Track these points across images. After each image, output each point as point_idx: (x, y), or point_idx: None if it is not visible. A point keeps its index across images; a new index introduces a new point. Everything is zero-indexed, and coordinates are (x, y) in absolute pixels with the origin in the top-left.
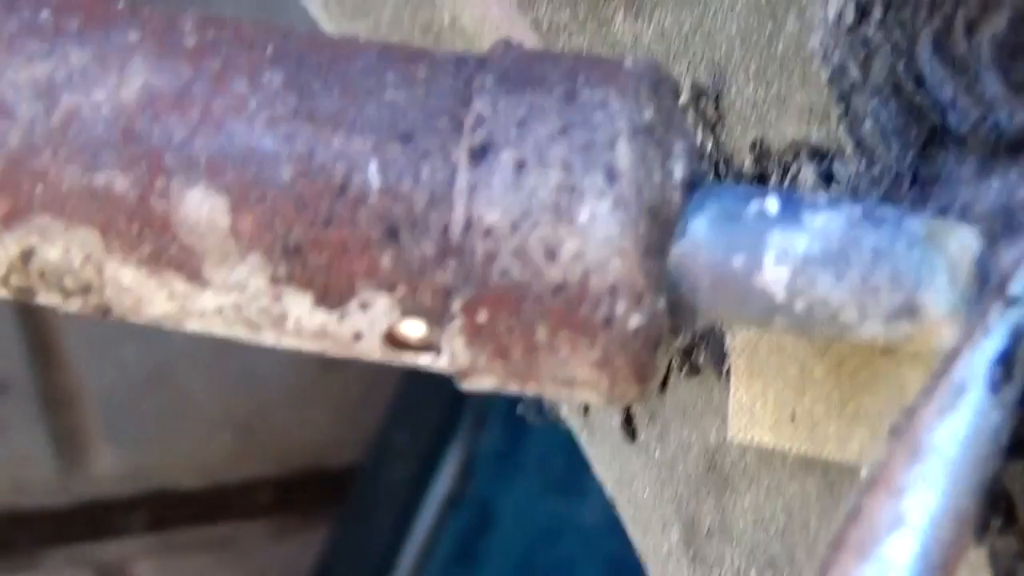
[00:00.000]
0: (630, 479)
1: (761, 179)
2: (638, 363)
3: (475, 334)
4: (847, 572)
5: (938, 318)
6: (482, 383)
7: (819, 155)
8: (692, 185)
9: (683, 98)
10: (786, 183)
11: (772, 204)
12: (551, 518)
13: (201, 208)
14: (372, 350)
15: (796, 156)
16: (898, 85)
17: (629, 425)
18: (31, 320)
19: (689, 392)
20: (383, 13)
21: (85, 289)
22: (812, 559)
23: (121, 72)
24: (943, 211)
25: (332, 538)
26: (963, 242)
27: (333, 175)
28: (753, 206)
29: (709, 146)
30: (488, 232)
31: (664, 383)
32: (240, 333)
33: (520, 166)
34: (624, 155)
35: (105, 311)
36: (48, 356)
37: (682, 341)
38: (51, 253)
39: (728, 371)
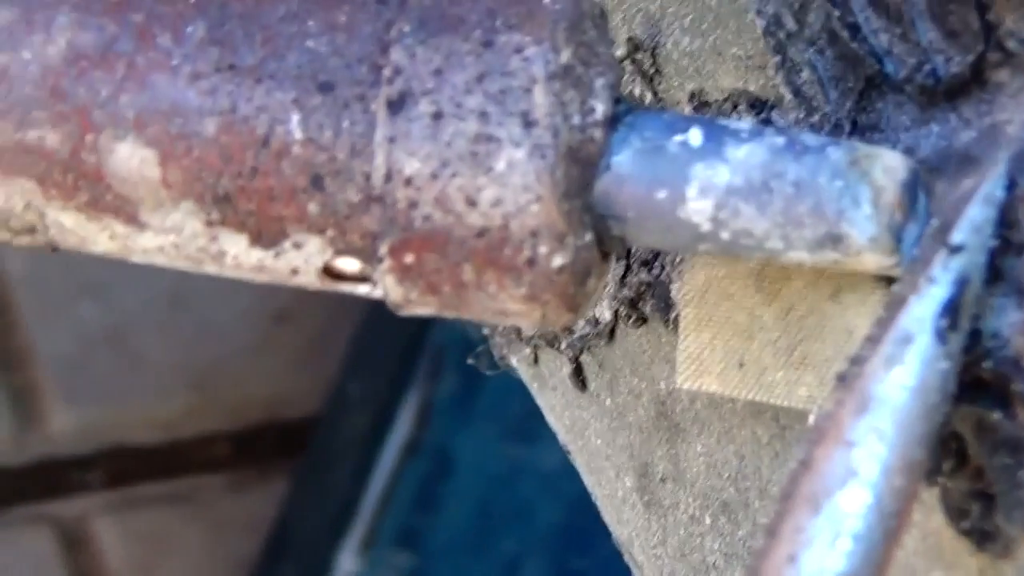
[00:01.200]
0: (582, 428)
1: None
2: (566, 296)
3: (404, 273)
4: (800, 525)
5: (861, 247)
6: (419, 312)
7: (758, 105)
8: (616, 118)
9: (620, 51)
10: None
11: (695, 136)
12: (509, 463)
13: (131, 161)
14: (311, 282)
15: (735, 107)
16: (834, 34)
17: (579, 375)
18: None
19: (637, 341)
20: None
21: (30, 230)
22: (766, 503)
23: (47, 31)
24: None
25: (291, 489)
26: (888, 167)
27: (256, 128)
28: (676, 138)
29: (648, 98)
30: (409, 181)
31: (612, 332)
32: (184, 266)
33: (437, 116)
34: (540, 101)
35: (54, 247)
36: (2, 315)
37: (628, 292)
38: None
39: (675, 319)
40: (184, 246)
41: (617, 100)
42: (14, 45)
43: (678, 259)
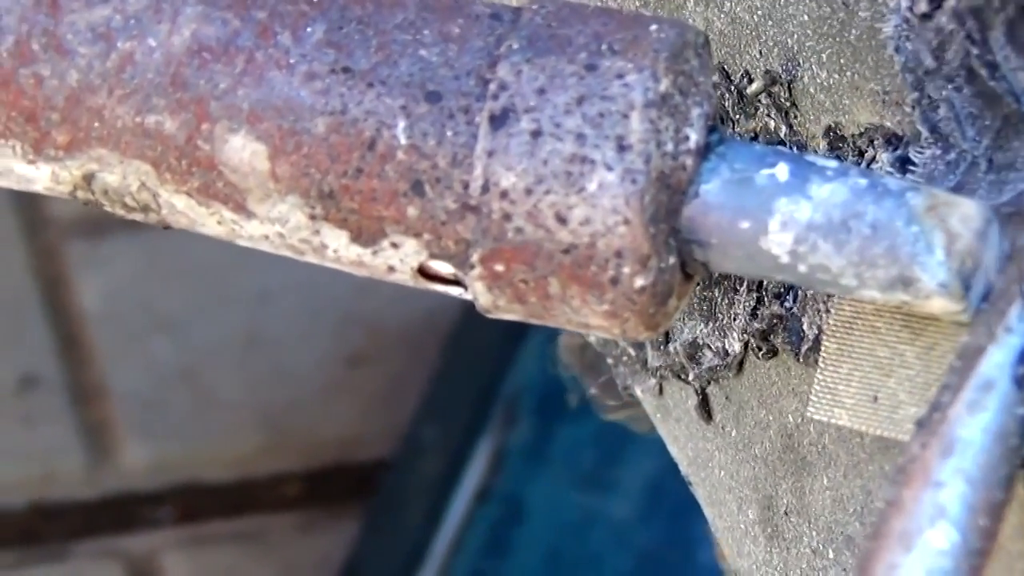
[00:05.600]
0: (705, 459)
1: None
2: (646, 315)
3: (493, 281)
4: (894, 562)
5: (931, 292)
6: (506, 317)
7: (894, 141)
8: (708, 147)
9: (756, 85)
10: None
11: (782, 171)
12: (580, 512)
13: (243, 153)
14: (406, 280)
15: (871, 142)
16: (972, 72)
17: (705, 406)
18: (60, 315)
19: (767, 373)
20: None
21: (144, 208)
22: None
23: (173, 20)
24: (1019, 196)
25: (362, 531)
26: (965, 215)
27: (364, 131)
28: (764, 171)
29: (783, 131)
30: (504, 194)
31: (741, 364)
32: (287, 255)
33: (536, 134)
34: (636, 127)
35: (166, 226)
36: (77, 350)
37: (760, 324)
38: (110, 179)
39: (807, 352)
40: (288, 236)
41: (711, 129)
42: (141, 32)
43: (811, 292)
